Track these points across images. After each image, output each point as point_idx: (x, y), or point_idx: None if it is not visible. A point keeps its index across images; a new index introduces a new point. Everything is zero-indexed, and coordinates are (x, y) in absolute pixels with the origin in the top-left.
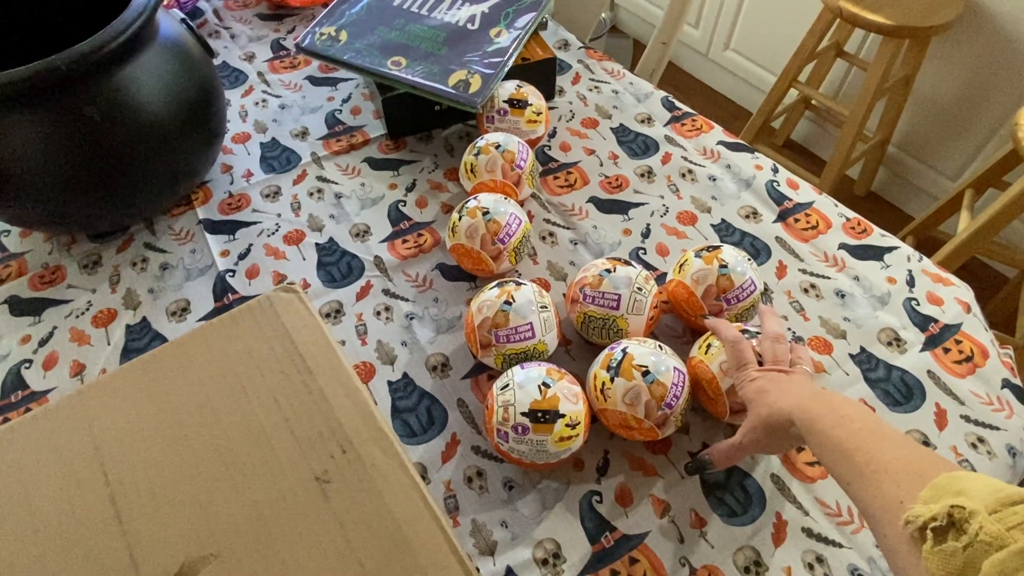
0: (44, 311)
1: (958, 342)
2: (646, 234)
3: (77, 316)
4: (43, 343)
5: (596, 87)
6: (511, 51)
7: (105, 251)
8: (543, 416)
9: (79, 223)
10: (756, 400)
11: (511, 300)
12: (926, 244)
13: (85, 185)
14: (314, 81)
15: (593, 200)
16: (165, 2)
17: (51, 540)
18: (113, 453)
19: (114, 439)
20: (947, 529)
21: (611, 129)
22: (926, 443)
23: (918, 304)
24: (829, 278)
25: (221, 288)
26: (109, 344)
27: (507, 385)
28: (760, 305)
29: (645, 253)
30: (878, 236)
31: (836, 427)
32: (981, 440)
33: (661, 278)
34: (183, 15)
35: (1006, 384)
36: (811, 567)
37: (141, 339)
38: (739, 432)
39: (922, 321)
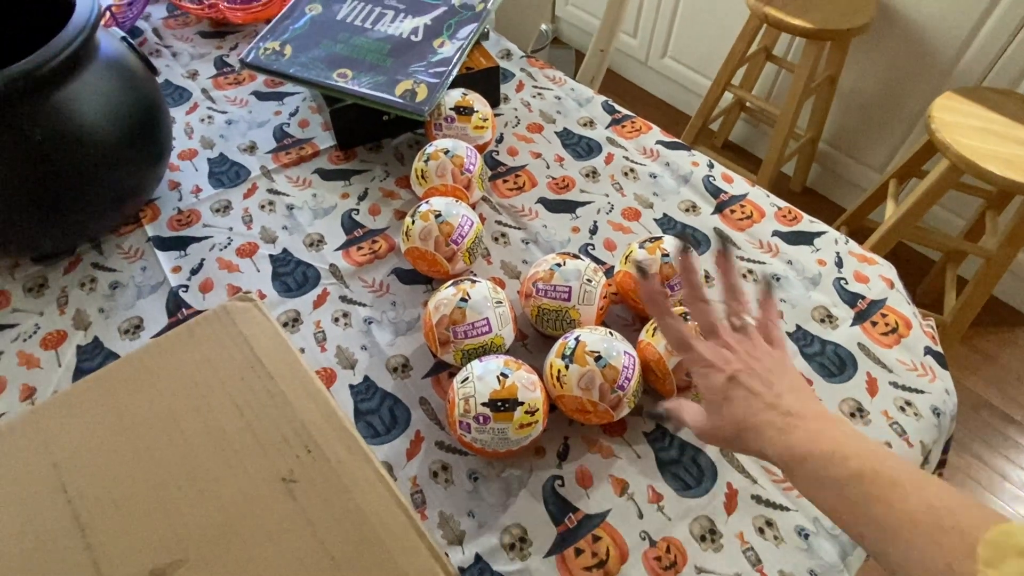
0: None
1: (884, 315)
2: (593, 231)
3: (24, 340)
4: None
5: (539, 94)
6: (455, 60)
7: (51, 272)
8: (503, 405)
9: (21, 246)
10: (730, 398)
11: (467, 297)
12: (858, 233)
13: (27, 207)
14: (260, 96)
15: (542, 201)
16: (104, 21)
17: (12, 562)
18: (72, 469)
19: (72, 455)
20: None
21: (555, 133)
22: (860, 410)
23: (846, 283)
24: (765, 263)
25: (175, 304)
26: (60, 366)
27: (467, 378)
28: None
29: (593, 248)
30: (807, 222)
31: (831, 468)
32: (908, 403)
33: (609, 272)
34: (123, 33)
35: (928, 351)
36: (761, 531)
37: (94, 359)
38: (706, 418)
39: (851, 298)
